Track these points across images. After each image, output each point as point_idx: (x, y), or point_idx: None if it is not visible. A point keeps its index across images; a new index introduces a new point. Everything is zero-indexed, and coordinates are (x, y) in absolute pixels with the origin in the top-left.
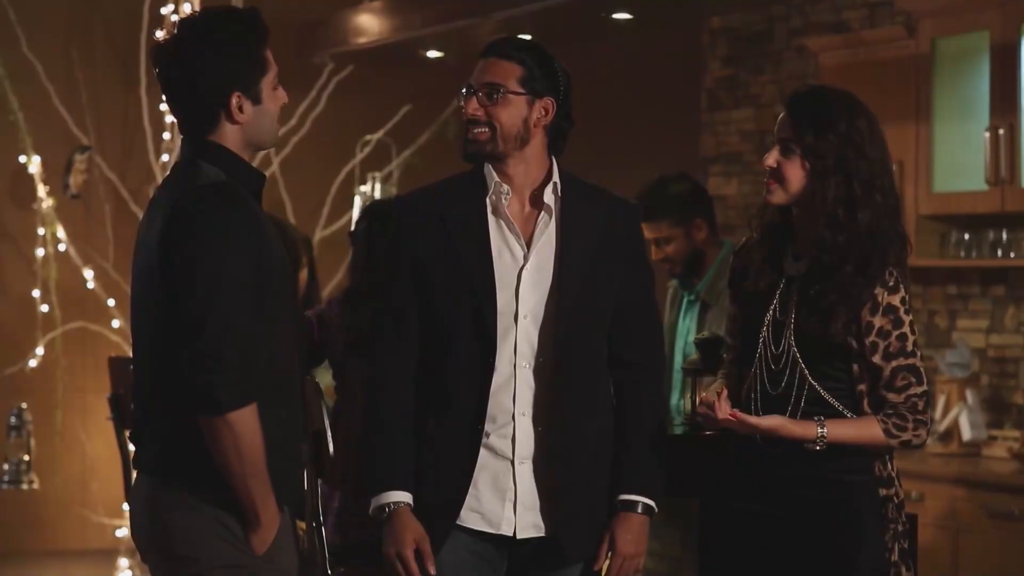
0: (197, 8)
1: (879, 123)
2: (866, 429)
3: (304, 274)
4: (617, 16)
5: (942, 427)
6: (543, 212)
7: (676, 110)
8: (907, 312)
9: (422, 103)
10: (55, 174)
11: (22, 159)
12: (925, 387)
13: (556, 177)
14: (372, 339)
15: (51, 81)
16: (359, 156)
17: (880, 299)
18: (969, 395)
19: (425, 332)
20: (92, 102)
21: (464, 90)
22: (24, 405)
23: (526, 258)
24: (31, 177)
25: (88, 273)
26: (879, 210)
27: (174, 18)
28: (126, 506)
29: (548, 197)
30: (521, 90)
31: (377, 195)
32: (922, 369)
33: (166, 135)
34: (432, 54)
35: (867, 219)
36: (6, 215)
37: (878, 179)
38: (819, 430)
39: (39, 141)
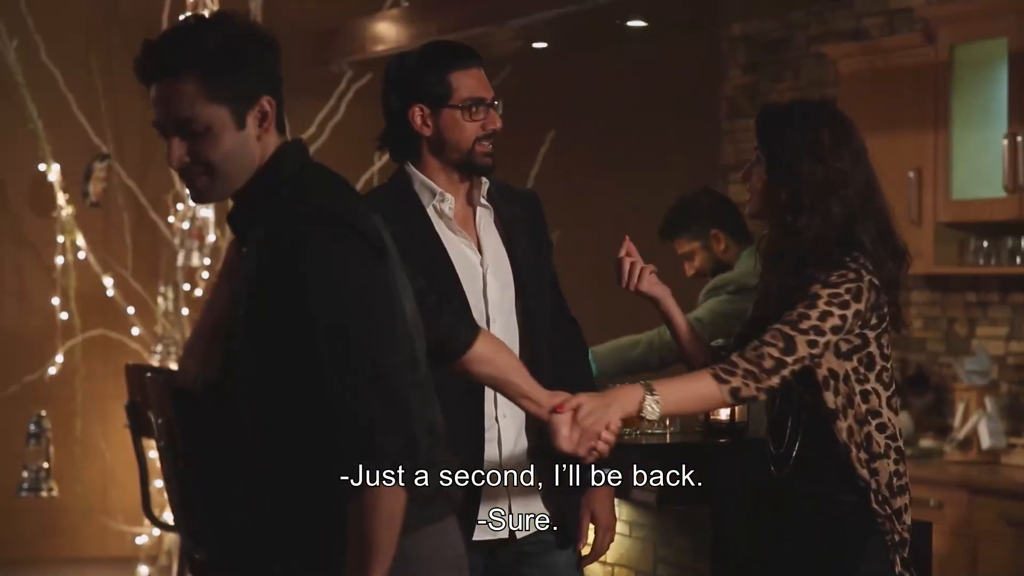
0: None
1: (858, 134)
2: (696, 379)
3: None
4: (631, 24)
5: (961, 435)
6: (476, 214)
7: (696, 118)
8: (830, 303)
9: None
10: (74, 182)
11: (42, 167)
12: (794, 356)
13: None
14: None
15: (70, 89)
16: (377, 164)
17: (811, 290)
18: (988, 403)
19: None
20: (111, 110)
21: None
22: (43, 413)
23: (483, 263)
24: (51, 185)
25: (108, 281)
26: (832, 220)
27: None
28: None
29: (476, 198)
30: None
31: None
32: (800, 343)
33: None
34: None
35: (815, 227)
36: (26, 223)
37: (838, 189)
38: (646, 394)
39: (58, 149)
